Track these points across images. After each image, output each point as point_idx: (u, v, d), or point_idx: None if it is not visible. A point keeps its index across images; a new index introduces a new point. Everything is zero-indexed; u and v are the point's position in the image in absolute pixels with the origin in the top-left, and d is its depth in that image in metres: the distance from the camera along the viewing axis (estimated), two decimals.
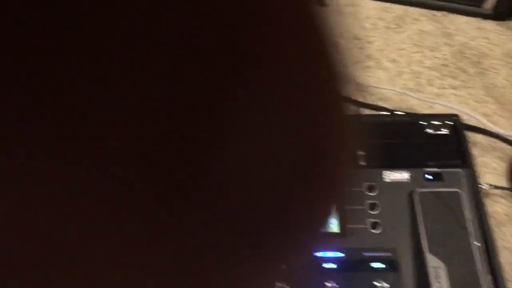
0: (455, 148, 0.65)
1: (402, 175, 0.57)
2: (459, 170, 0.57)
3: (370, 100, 0.77)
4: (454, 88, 0.79)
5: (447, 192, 0.55)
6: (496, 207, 0.66)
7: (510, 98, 0.78)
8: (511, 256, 0.62)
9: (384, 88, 0.79)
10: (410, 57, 0.84)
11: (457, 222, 0.53)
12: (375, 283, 0.52)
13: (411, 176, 0.57)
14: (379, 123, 0.67)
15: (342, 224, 0.55)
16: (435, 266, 0.51)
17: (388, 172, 0.57)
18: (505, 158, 0.71)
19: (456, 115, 0.68)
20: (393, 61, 0.83)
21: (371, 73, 0.81)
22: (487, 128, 0.74)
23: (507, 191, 0.67)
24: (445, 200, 0.54)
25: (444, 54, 0.84)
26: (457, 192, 0.55)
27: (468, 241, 0.53)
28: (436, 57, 0.84)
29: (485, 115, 0.76)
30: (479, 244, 0.53)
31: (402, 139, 0.66)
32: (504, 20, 0.89)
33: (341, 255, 0.53)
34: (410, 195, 0.55)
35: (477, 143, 0.72)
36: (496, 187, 0.66)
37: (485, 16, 0.89)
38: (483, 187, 0.65)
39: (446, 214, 0.54)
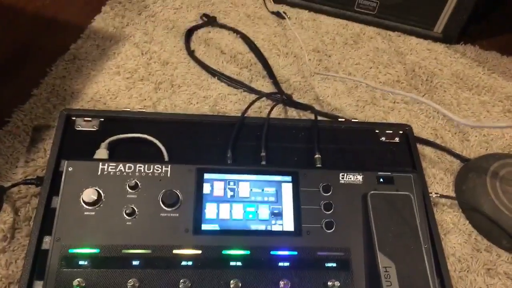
0: (406, 155, 0.67)
1: (356, 178, 0.58)
2: (410, 175, 0.59)
3: (327, 110, 0.79)
4: (406, 103, 0.83)
5: (399, 194, 0.57)
6: (443, 216, 0.69)
7: (456, 114, 0.83)
8: (458, 263, 0.65)
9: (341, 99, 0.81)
10: (366, 72, 0.87)
11: (407, 223, 0.55)
12: (328, 282, 0.52)
13: (364, 179, 0.58)
14: (337, 129, 0.69)
15: (297, 223, 0.55)
16: (386, 266, 0.51)
17: (343, 174, 0.58)
18: (452, 170, 0.75)
19: (408, 125, 0.70)
20: (350, 74, 0.86)
21: (329, 85, 0.84)
22: (436, 141, 0.77)
23: (453, 201, 0.71)
24: (396, 202, 0.56)
25: (397, 71, 0.88)
26: (407, 195, 0.57)
27: (418, 242, 0.54)
28: (390, 73, 0.88)
29: (434, 129, 0.80)
30: (428, 247, 0.55)
31: (358, 145, 0.67)
32: (452, 43, 0.95)
33: (295, 253, 0.53)
34: (364, 197, 0.56)
35: (425, 156, 0.76)
36: (443, 196, 0.69)
37: (435, 39, 0.95)
38: (432, 195, 0.68)
39: (397, 215, 0.55)
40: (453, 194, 0.72)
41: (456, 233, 0.68)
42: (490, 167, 0.71)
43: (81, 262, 0.49)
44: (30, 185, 0.60)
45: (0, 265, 0.56)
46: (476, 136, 0.80)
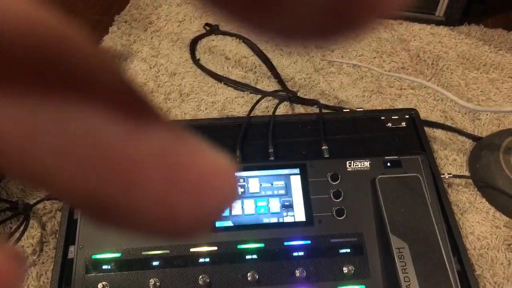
0: (414, 138, 0.68)
1: (363, 164, 0.59)
2: (417, 157, 0.60)
3: (333, 103, 0.81)
4: (412, 88, 0.83)
5: (407, 176, 0.57)
6: (459, 196, 0.69)
7: (465, 95, 0.82)
8: (477, 241, 0.64)
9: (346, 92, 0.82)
10: (370, 62, 0.88)
11: (417, 204, 0.55)
12: (343, 268, 0.53)
13: (371, 165, 0.59)
14: (342, 120, 0.70)
15: (308, 213, 0.56)
16: (399, 247, 0.52)
17: (350, 162, 0.59)
18: (464, 150, 0.74)
19: (414, 109, 0.71)
20: (354, 66, 0.87)
21: (334, 78, 0.85)
22: (446, 123, 0.77)
23: (468, 180, 0.70)
24: (405, 184, 0.56)
25: (401, 58, 0.89)
26: (416, 176, 0.57)
27: (430, 222, 0.54)
28: (394, 61, 0.88)
29: (443, 111, 0.80)
30: (441, 226, 0.55)
31: (365, 133, 0.68)
32: (455, 25, 0.94)
33: (308, 242, 0.54)
34: (372, 182, 0.57)
35: (436, 138, 0.76)
36: (456, 176, 0.69)
37: (437, 23, 0.95)
38: (445, 176, 0.68)
39: (406, 197, 0.56)
40: (467, 174, 0.71)
41: (473, 211, 0.67)
42: (502, 143, 0.70)
43: (104, 267, 0.52)
44: (54, 201, 0.64)
45: (32, 277, 0.59)
46: (487, 114, 0.79)
